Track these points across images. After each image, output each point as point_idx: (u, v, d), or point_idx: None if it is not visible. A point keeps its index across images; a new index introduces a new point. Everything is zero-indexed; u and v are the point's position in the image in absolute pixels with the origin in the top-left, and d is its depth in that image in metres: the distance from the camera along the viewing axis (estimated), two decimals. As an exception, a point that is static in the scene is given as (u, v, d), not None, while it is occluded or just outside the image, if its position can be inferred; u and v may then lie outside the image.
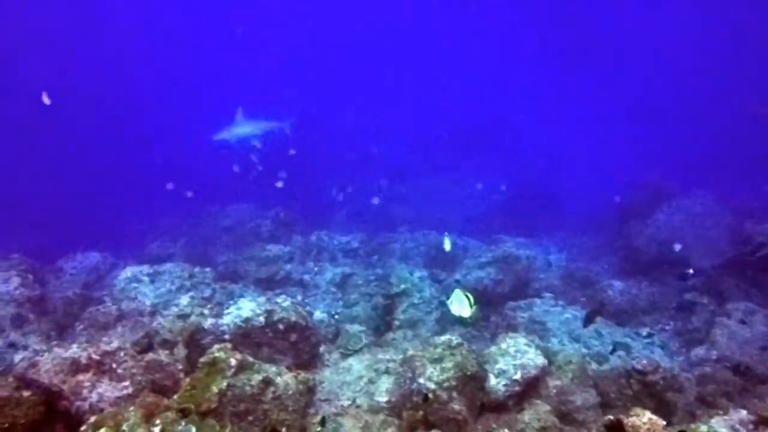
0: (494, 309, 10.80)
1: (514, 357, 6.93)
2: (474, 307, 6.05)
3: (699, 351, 8.99)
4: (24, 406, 5.45)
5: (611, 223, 15.09)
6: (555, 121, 25.94)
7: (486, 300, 11.05)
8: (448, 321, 10.23)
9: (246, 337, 7.12)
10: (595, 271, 12.82)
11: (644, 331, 9.79)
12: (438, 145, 21.44)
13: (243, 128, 13.83)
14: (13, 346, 8.67)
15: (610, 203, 15.31)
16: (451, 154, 20.72)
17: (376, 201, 14.31)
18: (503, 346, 7.19)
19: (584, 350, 8.81)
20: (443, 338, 6.88)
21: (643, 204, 14.17)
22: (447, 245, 8.77)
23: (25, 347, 8.60)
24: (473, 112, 23.34)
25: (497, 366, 6.84)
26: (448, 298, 6.27)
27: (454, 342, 6.73)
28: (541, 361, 6.92)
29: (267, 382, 5.71)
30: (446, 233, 8.46)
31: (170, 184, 13.59)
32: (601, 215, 15.96)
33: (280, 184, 13.09)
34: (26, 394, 5.50)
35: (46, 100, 10.24)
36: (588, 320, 9.00)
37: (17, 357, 8.28)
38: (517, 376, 6.68)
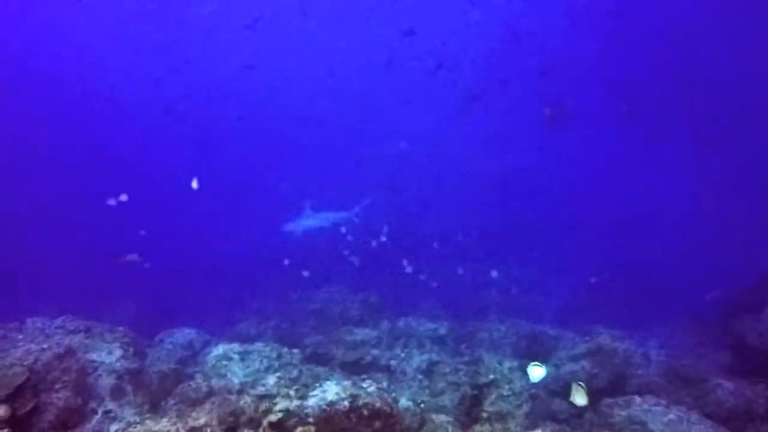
0: (589, 405, 10.13)
1: (613, 460, 6.39)
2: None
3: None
4: (113, 478, 5.55)
5: (713, 317, 14.04)
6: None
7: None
8: (539, 415, 9.70)
9: (329, 422, 7.01)
10: (700, 369, 11.83)
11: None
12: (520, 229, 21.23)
13: (310, 221, 14.80)
14: (108, 415, 9.00)
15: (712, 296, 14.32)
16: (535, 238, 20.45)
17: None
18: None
19: (693, 458, 8.00)
20: (535, 434, 6.48)
21: (754, 297, 13.11)
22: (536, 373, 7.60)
23: (120, 419, 8.89)
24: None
25: (594, 469, 6.32)
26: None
27: (547, 439, 6.31)
28: (644, 466, 6.32)
29: (349, 470, 5.53)
30: (536, 363, 7.15)
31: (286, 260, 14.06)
32: (702, 308, 14.96)
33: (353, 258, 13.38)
34: (116, 465, 5.62)
35: (195, 185, 10.87)
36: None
37: (113, 427, 8.56)
38: (617, 482, 6.11)
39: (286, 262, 14.95)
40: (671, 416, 8.85)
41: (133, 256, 13.08)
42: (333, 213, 15.53)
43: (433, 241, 18.10)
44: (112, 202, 11.92)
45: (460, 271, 16.33)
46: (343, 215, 15.68)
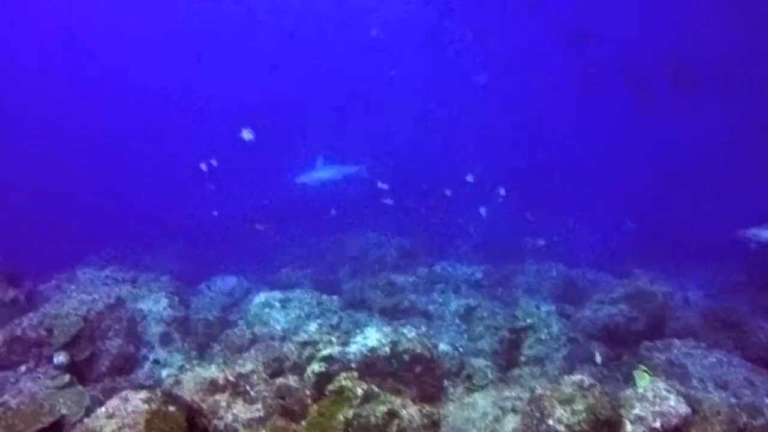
0: (627, 348, 10.19)
1: (652, 403, 6.43)
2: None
3: None
4: (170, 421, 5.84)
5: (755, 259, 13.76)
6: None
7: (618, 339, 10.48)
8: (577, 358, 9.78)
9: (371, 367, 7.21)
10: (741, 311, 11.69)
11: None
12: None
13: (323, 173, 15.48)
14: (158, 362, 9.42)
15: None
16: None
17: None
18: (640, 389, 6.70)
19: (733, 400, 8.01)
20: (574, 378, 6.54)
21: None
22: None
23: (170, 365, 9.30)
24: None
25: (634, 411, 6.37)
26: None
27: (586, 383, 6.37)
28: (684, 409, 6.36)
29: (392, 414, 5.71)
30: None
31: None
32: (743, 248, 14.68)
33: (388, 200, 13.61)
34: (172, 409, 5.89)
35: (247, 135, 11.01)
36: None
37: (164, 373, 8.97)
38: (657, 425, 6.17)
39: (333, 212, 15.25)
40: (712, 359, 8.83)
41: (262, 224, 13.85)
42: (345, 166, 15.89)
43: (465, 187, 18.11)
44: (203, 166, 12.90)
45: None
46: (354, 168, 16.21)
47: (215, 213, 17.23)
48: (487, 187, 13.88)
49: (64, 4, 32.77)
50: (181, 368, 8.48)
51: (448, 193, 14.85)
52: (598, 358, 9.29)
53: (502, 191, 13.17)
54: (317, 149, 15.92)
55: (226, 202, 19.13)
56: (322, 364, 7.19)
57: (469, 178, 13.07)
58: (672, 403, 6.42)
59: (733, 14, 23.94)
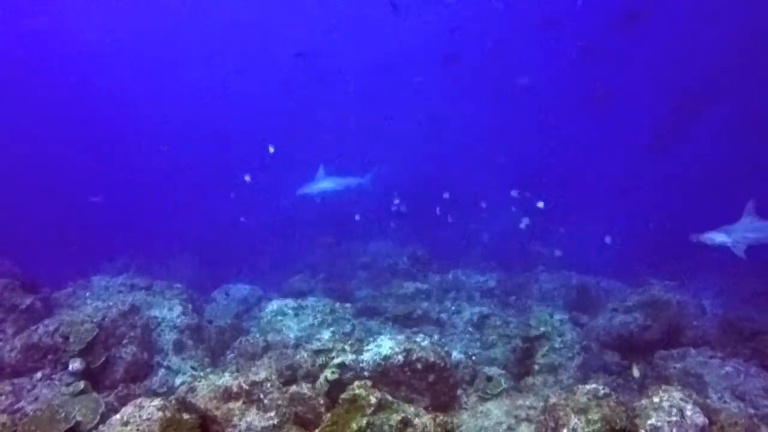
0: (642, 357, 10.11)
1: (668, 413, 6.35)
2: None
3: None
4: (184, 428, 5.86)
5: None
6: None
7: (632, 347, 10.41)
8: (591, 367, 9.72)
9: (385, 375, 7.20)
10: (758, 320, 11.54)
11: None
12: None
13: (325, 184, 15.54)
14: (170, 369, 9.46)
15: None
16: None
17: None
18: (656, 399, 6.61)
19: (751, 410, 7.91)
20: (589, 387, 6.47)
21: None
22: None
23: (184, 372, 9.34)
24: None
25: (649, 422, 6.30)
26: None
27: (601, 392, 6.32)
28: (701, 419, 6.28)
29: (405, 423, 5.69)
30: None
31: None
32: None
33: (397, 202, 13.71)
34: (186, 416, 5.92)
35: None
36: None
37: (177, 380, 9.00)
38: (673, 435, 6.11)
39: (357, 217, 15.56)
40: (728, 369, 8.72)
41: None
42: (346, 178, 16.10)
43: (478, 195, 18.13)
44: (247, 178, 13.34)
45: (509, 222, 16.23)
46: (355, 180, 16.24)
47: (242, 219, 17.74)
48: (511, 193, 13.81)
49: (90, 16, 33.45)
50: (194, 376, 8.51)
51: (483, 205, 14.91)
52: (636, 372, 9.23)
53: (541, 204, 13.07)
54: (320, 160, 16.04)
55: (247, 210, 19.35)
56: (336, 371, 7.19)
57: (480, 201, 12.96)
58: (688, 413, 6.34)
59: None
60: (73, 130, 32.45)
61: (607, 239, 12.86)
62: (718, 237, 10.55)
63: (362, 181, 16.22)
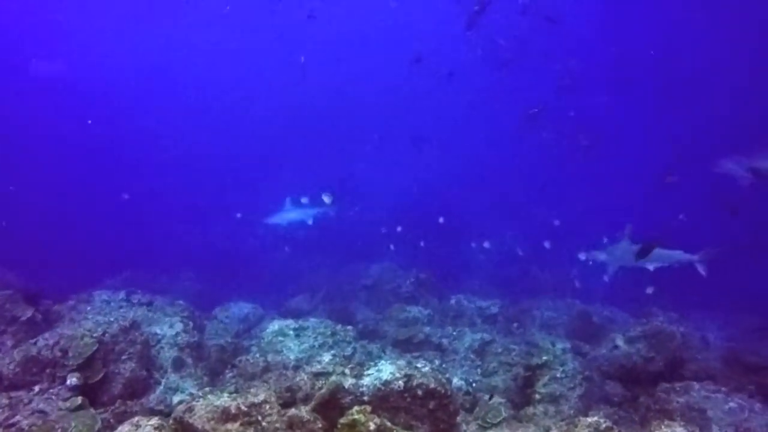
0: (644, 389, 10.01)
1: (671, 448, 6.29)
2: None
3: None
4: (180, 449, 5.81)
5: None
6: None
7: (634, 379, 10.32)
8: (592, 398, 9.62)
9: (384, 401, 7.13)
10: (763, 354, 11.43)
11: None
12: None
13: (292, 214, 16.40)
14: (169, 387, 9.39)
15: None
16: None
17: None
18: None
19: (755, 448, 7.81)
20: (590, 420, 6.41)
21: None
22: None
23: (182, 390, 9.27)
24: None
25: (652, 457, 6.24)
26: None
27: (603, 425, 6.25)
28: (704, 457, 6.21)
29: (404, 450, 5.63)
30: None
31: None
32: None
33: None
34: (183, 437, 5.87)
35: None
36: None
37: (175, 398, 8.93)
38: (676, 472, 6.03)
39: (383, 230, 16.17)
40: (732, 404, 8.60)
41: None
42: (311, 208, 16.55)
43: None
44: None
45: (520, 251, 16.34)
46: (321, 210, 16.65)
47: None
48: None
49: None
50: (193, 395, 8.44)
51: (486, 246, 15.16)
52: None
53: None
54: (287, 190, 16.83)
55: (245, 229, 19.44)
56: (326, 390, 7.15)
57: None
58: (691, 449, 6.27)
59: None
60: (78, 139, 32.55)
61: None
62: (600, 256, 10.94)
63: (328, 210, 16.65)
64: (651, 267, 10.99)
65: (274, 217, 16.42)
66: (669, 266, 11.04)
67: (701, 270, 10.99)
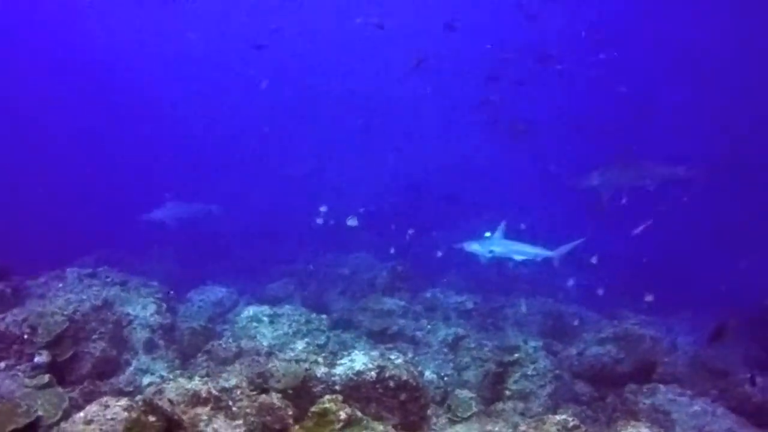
0: (612, 390, 10.19)
1: (636, 448, 6.41)
2: None
3: None
4: (149, 431, 5.76)
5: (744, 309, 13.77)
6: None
7: (603, 379, 10.48)
8: (561, 397, 9.76)
9: (356, 390, 7.15)
10: (728, 360, 11.66)
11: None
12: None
13: (175, 210, 16.81)
14: (139, 368, 9.30)
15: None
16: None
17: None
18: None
19: (716, 451, 7.99)
20: (558, 418, 6.49)
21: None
22: None
23: (152, 372, 9.19)
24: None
25: (617, 456, 6.35)
26: None
27: (570, 424, 6.32)
28: (667, 458, 6.33)
29: (374, 441, 5.66)
30: None
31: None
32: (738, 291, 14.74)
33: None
34: (152, 419, 5.80)
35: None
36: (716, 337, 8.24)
37: (145, 380, 8.86)
38: (639, 471, 6.14)
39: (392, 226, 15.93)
40: (696, 408, 8.81)
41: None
42: (192, 206, 17.44)
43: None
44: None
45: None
46: (202, 207, 17.65)
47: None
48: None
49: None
50: (163, 377, 8.38)
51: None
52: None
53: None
54: (172, 189, 17.39)
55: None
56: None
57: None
58: (655, 450, 6.39)
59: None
60: (63, 123, 32.07)
61: (593, 259, 12.98)
62: (472, 246, 11.60)
63: (211, 208, 17.71)
64: (518, 258, 11.46)
65: (154, 213, 16.58)
66: (532, 260, 11.53)
67: (556, 264, 11.61)
